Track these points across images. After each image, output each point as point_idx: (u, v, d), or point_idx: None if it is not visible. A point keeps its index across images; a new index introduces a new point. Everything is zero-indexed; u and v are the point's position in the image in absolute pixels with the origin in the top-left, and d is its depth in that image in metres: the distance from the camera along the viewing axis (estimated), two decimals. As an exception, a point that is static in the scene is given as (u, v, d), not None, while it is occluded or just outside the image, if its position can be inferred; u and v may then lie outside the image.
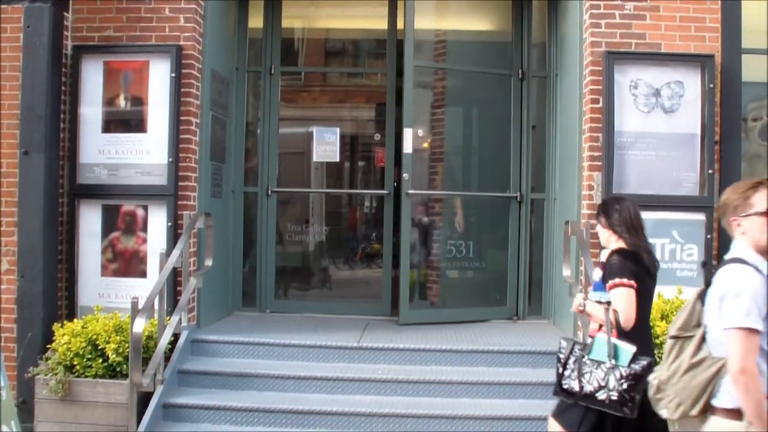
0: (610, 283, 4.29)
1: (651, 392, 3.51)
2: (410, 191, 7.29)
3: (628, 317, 4.19)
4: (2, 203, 6.41)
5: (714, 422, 3.22)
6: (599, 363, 4.14)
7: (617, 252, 4.40)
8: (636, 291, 4.24)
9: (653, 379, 3.51)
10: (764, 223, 3.23)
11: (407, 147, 7.21)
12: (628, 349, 4.10)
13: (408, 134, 7.17)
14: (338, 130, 8.43)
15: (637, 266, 4.31)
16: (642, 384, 3.95)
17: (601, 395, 4.10)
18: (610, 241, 4.50)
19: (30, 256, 6.27)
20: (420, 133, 7.36)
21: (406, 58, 7.05)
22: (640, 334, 4.25)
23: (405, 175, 7.20)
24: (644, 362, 4.03)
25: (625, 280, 4.25)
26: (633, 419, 4.04)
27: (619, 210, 4.47)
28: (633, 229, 4.42)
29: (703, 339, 3.31)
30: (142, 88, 6.60)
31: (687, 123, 6.38)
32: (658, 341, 5.58)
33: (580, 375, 4.19)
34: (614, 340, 4.14)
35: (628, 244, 4.39)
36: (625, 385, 4.04)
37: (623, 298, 4.22)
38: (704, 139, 6.34)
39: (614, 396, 4.05)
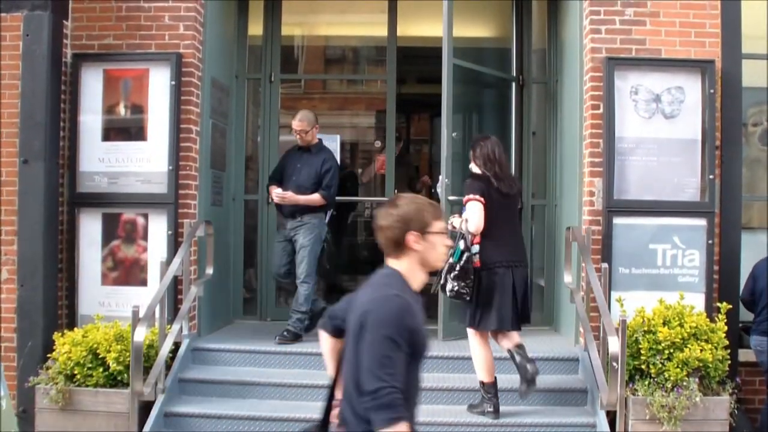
0: (464, 199, 5.60)
1: None
2: (451, 197, 6.71)
3: (475, 224, 5.46)
4: (2, 212, 6.39)
5: None
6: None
7: (470, 176, 5.75)
8: (484, 205, 5.46)
9: None
10: None
11: (445, 149, 6.76)
12: (461, 248, 5.44)
13: (446, 136, 6.78)
14: (339, 137, 8.41)
15: (487, 187, 5.55)
16: (467, 277, 5.42)
17: (448, 286, 5.47)
18: (474, 169, 5.74)
19: (30, 264, 6.25)
20: (455, 134, 6.90)
21: (446, 57, 6.75)
22: (491, 237, 5.52)
23: (446, 180, 6.72)
24: (467, 256, 5.41)
25: (472, 196, 5.51)
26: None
27: (481, 147, 5.70)
28: (489, 161, 5.64)
29: None
30: (142, 96, 6.59)
31: (687, 128, 6.37)
32: (660, 346, 5.58)
33: (446, 274, 5.48)
34: (461, 243, 5.44)
35: (482, 171, 5.63)
36: (452, 275, 5.42)
37: (471, 210, 5.50)
38: (705, 144, 6.33)
39: (451, 286, 5.43)
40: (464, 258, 5.43)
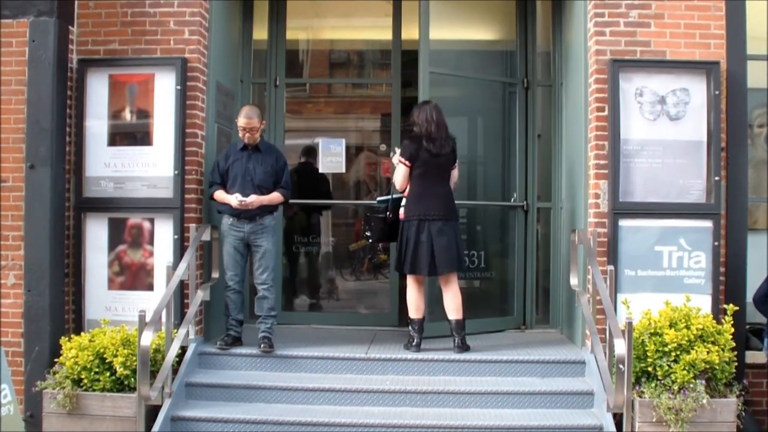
0: (396, 159, 6.49)
1: None
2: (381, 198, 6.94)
3: (398, 183, 6.46)
4: (9, 217, 6.41)
5: None
6: None
7: (406, 137, 6.58)
8: (410, 167, 6.36)
9: None
10: None
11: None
12: (381, 198, 6.65)
13: None
14: (344, 141, 8.42)
15: (418, 148, 6.35)
16: (369, 222, 6.62)
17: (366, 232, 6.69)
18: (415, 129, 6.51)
19: (37, 269, 6.27)
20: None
21: (422, 65, 6.85)
22: (415, 193, 6.40)
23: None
24: (380, 206, 6.58)
25: (400, 159, 6.41)
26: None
27: (419, 112, 6.45)
28: (426, 122, 6.36)
29: None
30: (147, 100, 6.61)
31: (693, 130, 6.36)
32: (667, 348, 5.57)
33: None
34: (386, 197, 6.62)
35: (418, 132, 6.41)
36: (364, 219, 6.64)
37: (396, 172, 6.48)
38: (710, 146, 6.32)
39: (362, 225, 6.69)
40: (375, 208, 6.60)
